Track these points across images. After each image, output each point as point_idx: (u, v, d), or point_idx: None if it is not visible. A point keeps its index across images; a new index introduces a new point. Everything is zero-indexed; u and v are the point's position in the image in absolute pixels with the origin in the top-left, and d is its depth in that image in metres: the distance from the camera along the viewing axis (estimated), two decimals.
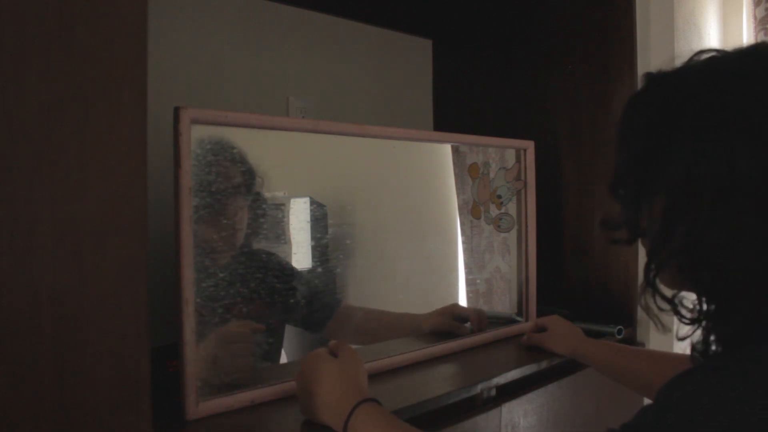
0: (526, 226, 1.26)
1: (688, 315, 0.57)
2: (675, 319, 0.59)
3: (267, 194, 0.93)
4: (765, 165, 0.49)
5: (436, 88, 1.70)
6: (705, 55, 0.57)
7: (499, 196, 1.29)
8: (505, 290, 1.31)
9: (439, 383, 0.93)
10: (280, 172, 0.96)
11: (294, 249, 0.98)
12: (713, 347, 0.57)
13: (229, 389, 0.81)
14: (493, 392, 0.96)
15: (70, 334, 0.55)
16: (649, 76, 0.60)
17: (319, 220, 1.01)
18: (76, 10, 0.56)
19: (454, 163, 1.32)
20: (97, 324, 0.57)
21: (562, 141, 1.39)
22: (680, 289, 0.58)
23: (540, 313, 1.24)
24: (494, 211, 1.30)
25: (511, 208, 1.28)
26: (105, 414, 0.58)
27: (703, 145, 0.52)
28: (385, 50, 1.58)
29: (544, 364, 1.05)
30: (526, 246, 1.27)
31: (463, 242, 1.32)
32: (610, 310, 1.30)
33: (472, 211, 1.31)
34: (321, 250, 1.01)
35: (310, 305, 1.01)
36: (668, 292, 0.59)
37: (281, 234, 0.96)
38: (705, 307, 0.56)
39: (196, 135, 0.78)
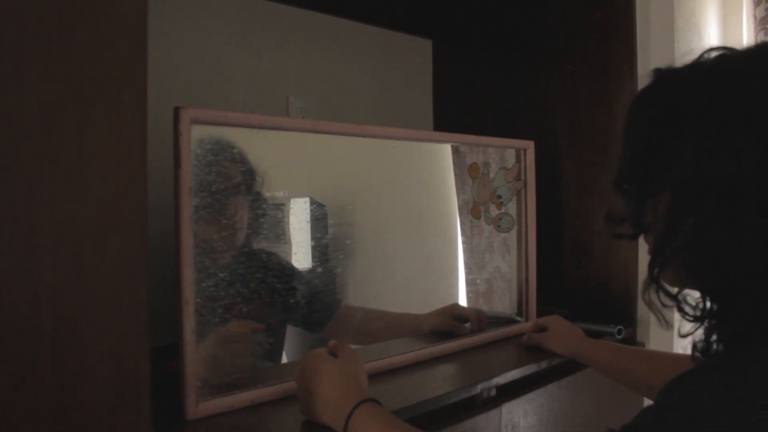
0: (526, 226, 1.26)
1: (692, 312, 0.57)
2: (676, 316, 0.59)
3: (267, 194, 0.93)
4: None
5: (436, 88, 1.70)
6: (714, 53, 0.57)
7: (499, 196, 1.29)
8: (505, 290, 1.31)
9: (439, 383, 0.93)
10: (280, 172, 0.96)
11: (294, 249, 0.98)
12: (714, 347, 0.57)
13: (229, 389, 0.81)
14: (493, 392, 0.95)
15: (70, 334, 0.55)
16: (659, 72, 0.60)
17: (319, 220, 1.01)
18: (76, 10, 0.56)
19: (454, 163, 1.32)
20: (97, 324, 0.57)
21: (562, 141, 1.39)
22: (683, 287, 0.58)
23: (540, 313, 1.24)
24: (494, 211, 1.29)
25: (511, 208, 1.28)
26: (105, 414, 0.58)
27: (711, 144, 0.52)
28: (385, 50, 1.58)
29: (544, 364, 1.05)
30: (526, 246, 1.27)
31: (463, 242, 1.32)
32: (610, 310, 1.30)
33: (472, 211, 1.31)
34: (321, 250, 1.01)
35: (310, 305, 1.01)
36: (672, 289, 0.59)
37: (281, 234, 0.96)
38: (708, 305, 0.56)
39: (196, 135, 0.78)
